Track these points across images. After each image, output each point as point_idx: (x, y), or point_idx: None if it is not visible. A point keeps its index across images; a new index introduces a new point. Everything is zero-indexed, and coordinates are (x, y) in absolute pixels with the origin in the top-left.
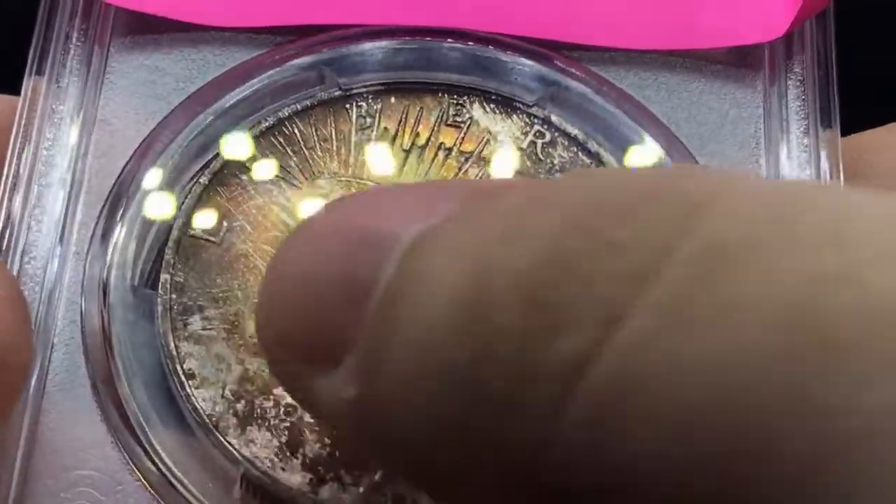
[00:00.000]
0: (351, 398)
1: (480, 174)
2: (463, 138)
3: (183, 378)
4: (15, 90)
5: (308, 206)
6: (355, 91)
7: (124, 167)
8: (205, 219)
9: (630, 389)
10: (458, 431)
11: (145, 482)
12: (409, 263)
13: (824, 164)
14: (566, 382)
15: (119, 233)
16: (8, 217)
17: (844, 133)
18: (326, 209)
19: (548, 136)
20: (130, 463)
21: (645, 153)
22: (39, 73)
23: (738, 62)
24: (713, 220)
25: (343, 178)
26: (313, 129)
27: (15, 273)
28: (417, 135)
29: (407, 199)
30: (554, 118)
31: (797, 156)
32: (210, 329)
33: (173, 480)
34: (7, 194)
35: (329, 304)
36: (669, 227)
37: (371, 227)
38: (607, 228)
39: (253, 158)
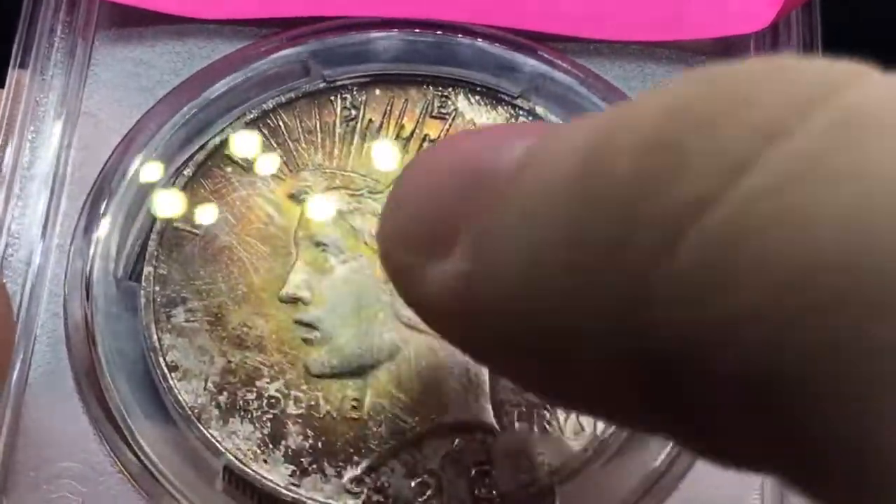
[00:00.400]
0: (460, 274)
1: None
2: (448, 130)
3: (166, 370)
4: None
5: (292, 198)
6: (340, 83)
7: (108, 159)
8: (189, 211)
9: (746, 237)
10: (562, 294)
11: (127, 474)
12: (526, 152)
13: None
14: (680, 225)
15: (103, 225)
16: (10, 211)
17: None
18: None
19: None
20: (112, 455)
21: None
22: (23, 65)
23: (724, 53)
24: (849, 93)
25: (328, 170)
26: (298, 122)
27: None
28: (402, 126)
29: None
30: (539, 109)
31: None
32: (193, 321)
33: (155, 472)
34: None
35: (448, 194)
36: (805, 93)
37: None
38: (741, 86)
39: (237, 152)
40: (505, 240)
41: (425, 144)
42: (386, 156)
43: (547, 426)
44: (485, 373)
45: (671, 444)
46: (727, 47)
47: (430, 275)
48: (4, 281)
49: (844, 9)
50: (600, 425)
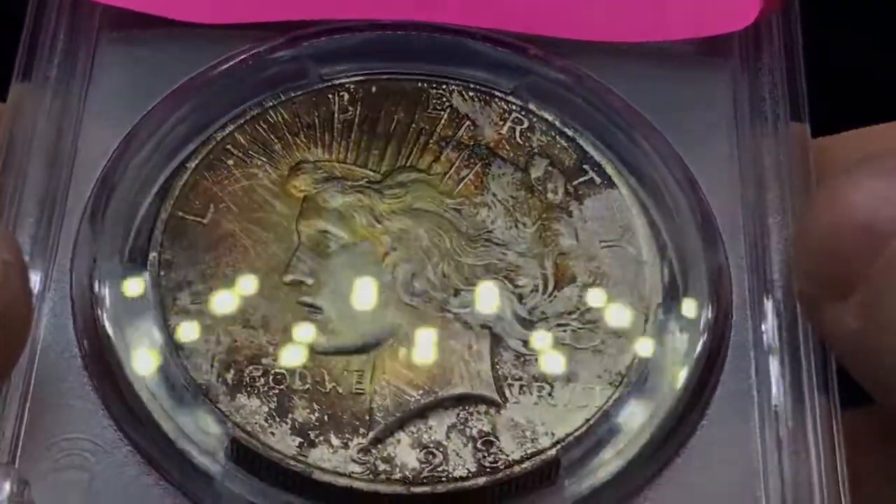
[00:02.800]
0: (853, 328)
1: (460, 157)
2: (443, 124)
3: (174, 349)
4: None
5: (293, 188)
6: (338, 82)
7: (112, 152)
8: (192, 201)
9: None
10: None
11: (136, 448)
12: None
13: (795, 152)
14: None
15: (108, 211)
16: (0, 206)
17: (813, 117)
18: (847, 176)
19: (526, 122)
20: (121, 430)
21: (618, 137)
22: (28, 71)
23: (708, 51)
24: None
25: (327, 163)
26: (297, 118)
27: None
28: (398, 122)
29: None
30: (532, 105)
31: (767, 141)
32: (198, 303)
33: (163, 446)
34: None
35: (848, 249)
36: None
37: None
38: None
39: (238, 145)
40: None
41: (421, 138)
42: (382, 149)
43: (549, 399)
44: (486, 348)
45: (670, 415)
46: (711, 46)
47: (830, 313)
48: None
49: (823, 7)
50: (601, 399)
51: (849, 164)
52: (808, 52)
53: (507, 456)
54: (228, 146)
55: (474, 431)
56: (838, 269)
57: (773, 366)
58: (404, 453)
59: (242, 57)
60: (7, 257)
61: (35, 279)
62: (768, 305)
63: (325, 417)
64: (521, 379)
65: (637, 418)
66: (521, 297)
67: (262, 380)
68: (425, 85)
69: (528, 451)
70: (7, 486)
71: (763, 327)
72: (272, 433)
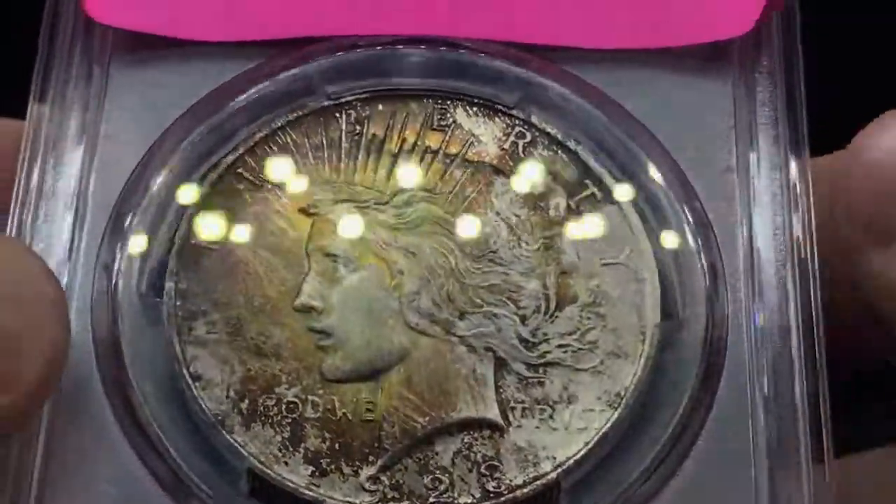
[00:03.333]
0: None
1: (465, 175)
2: (448, 141)
3: (190, 380)
4: (17, 113)
5: (302, 211)
6: (344, 99)
7: (127, 180)
8: (205, 227)
9: None
10: None
11: (158, 481)
12: None
13: (792, 156)
14: None
15: (125, 243)
16: (19, 233)
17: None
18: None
19: (528, 136)
20: (142, 461)
21: (621, 150)
22: (44, 93)
23: (709, 57)
24: None
25: (335, 184)
26: (305, 138)
27: None
28: (404, 140)
29: None
30: (534, 118)
31: (767, 146)
32: (213, 332)
33: (183, 477)
34: (17, 212)
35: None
36: None
37: None
38: None
39: (249, 168)
40: None
41: (427, 156)
42: (389, 168)
43: (550, 423)
44: (490, 372)
45: (666, 437)
46: (712, 51)
47: (874, 257)
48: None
49: (822, 12)
50: (600, 421)
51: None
52: (808, 56)
53: (510, 481)
54: (239, 170)
55: (478, 457)
56: (885, 214)
57: (767, 373)
58: (412, 480)
59: (251, 76)
60: (52, 295)
61: None
62: (762, 318)
63: (336, 446)
64: (523, 402)
65: (635, 439)
66: (523, 319)
67: (276, 409)
68: (430, 101)
69: (530, 476)
70: None
71: (757, 343)
72: (286, 462)
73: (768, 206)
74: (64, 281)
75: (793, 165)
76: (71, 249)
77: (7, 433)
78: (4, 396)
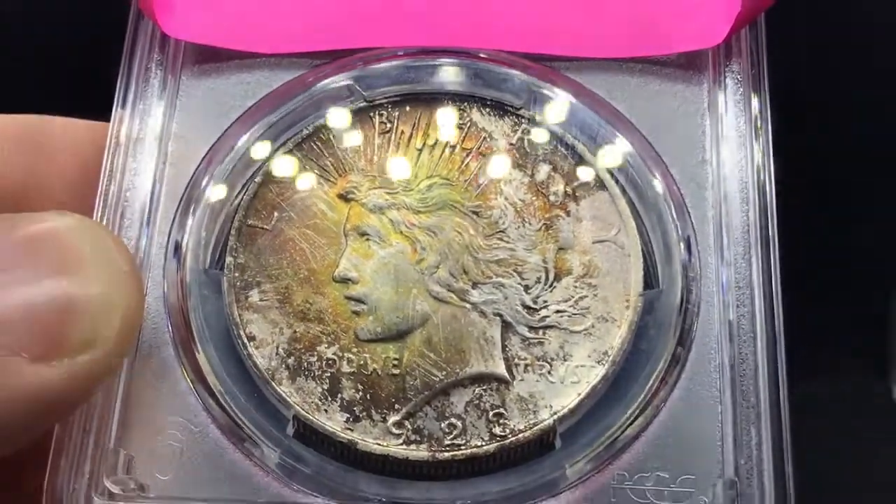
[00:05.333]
0: None
1: (479, 166)
2: (464, 137)
3: (245, 340)
4: (103, 116)
5: (341, 197)
6: (377, 102)
7: (195, 171)
8: (259, 211)
9: None
10: None
11: (218, 425)
12: None
13: (757, 152)
14: None
15: (192, 224)
16: (104, 213)
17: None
18: None
19: (533, 133)
20: (206, 409)
21: (611, 144)
22: (125, 99)
23: (687, 65)
24: None
25: (369, 174)
26: (344, 135)
27: None
28: (428, 136)
29: None
30: (538, 117)
31: (736, 143)
32: (266, 300)
33: (239, 422)
34: (103, 196)
35: None
36: None
37: None
38: None
39: (296, 161)
40: None
41: (446, 150)
42: (415, 160)
43: (549, 377)
44: (498, 334)
45: (646, 389)
46: (690, 60)
47: None
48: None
49: (785, 25)
50: (591, 376)
51: None
52: (773, 65)
53: (514, 426)
54: (288, 162)
55: (487, 406)
56: None
57: (730, 334)
58: (431, 425)
59: (298, 83)
60: (126, 268)
61: None
62: (728, 281)
63: (368, 396)
64: (526, 359)
65: (620, 391)
66: (527, 288)
67: (317, 365)
68: (449, 103)
69: (531, 422)
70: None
71: (724, 308)
72: (325, 410)
73: (736, 192)
74: (141, 256)
75: (757, 157)
76: (147, 230)
77: (96, 382)
78: (94, 351)
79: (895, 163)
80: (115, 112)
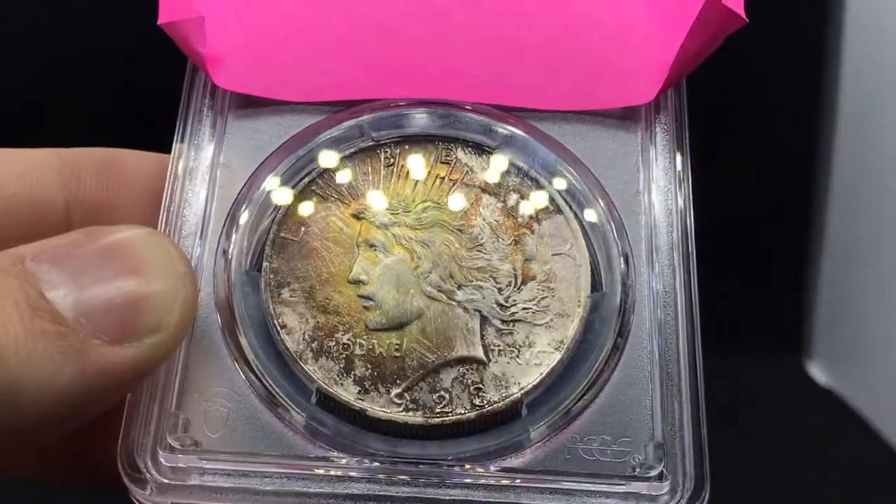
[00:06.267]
0: None
1: (463, 194)
2: (451, 171)
3: (278, 328)
4: (165, 149)
5: (354, 216)
6: (383, 142)
7: (238, 194)
8: (289, 225)
9: None
10: None
11: (256, 395)
12: None
13: (679, 189)
14: None
15: (236, 236)
16: (166, 227)
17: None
18: None
19: (504, 169)
20: (247, 383)
21: (566, 178)
22: (183, 135)
23: (624, 117)
24: None
25: (376, 198)
26: (357, 167)
27: None
28: (422, 170)
29: None
30: (510, 156)
31: (663, 178)
32: (294, 297)
33: (273, 393)
34: (165, 213)
35: None
36: None
37: None
38: None
39: (319, 186)
40: None
41: (437, 181)
42: (413, 188)
43: (517, 359)
44: (477, 326)
45: (594, 370)
46: (627, 113)
47: None
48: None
49: (703, 90)
50: (550, 359)
51: None
52: (692, 119)
53: (490, 398)
54: (313, 188)
55: (469, 382)
56: None
57: (659, 328)
58: (425, 397)
59: (321, 125)
60: (185, 270)
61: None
62: (657, 287)
63: (375, 373)
64: (499, 346)
65: (573, 372)
66: (500, 290)
67: (335, 348)
68: (440, 144)
69: (503, 395)
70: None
71: (654, 307)
72: (341, 384)
73: (663, 218)
74: (195, 261)
75: (678, 192)
76: (201, 240)
77: (160, 361)
78: (158, 335)
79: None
80: (175, 146)
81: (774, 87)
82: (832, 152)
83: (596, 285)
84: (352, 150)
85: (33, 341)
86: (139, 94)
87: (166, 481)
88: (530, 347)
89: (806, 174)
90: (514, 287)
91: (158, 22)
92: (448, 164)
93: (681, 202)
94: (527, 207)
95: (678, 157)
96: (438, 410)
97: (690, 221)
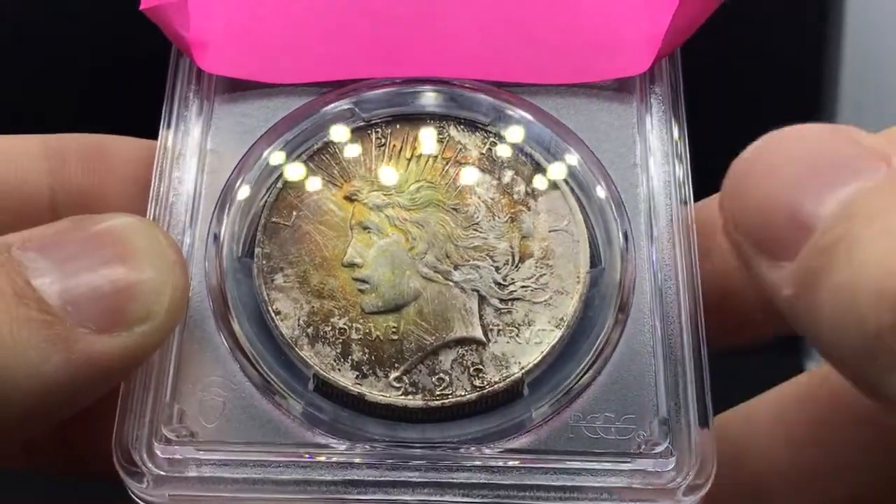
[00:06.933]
0: (786, 296)
1: (456, 172)
2: (444, 149)
3: (272, 314)
4: (152, 135)
5: (346, 198)
6: (373, 122)
7: (227, 179)
8: (280, 210)
9: None
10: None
11: (252, 383)
12: (844, 219)
13: (678, 160)
14: None
15: (226, 222)
16: (155, 215)
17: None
18: (784, 136)
19: (499, 145)
20: (242, 371)
21: (561, 153)
22: (170, 121)
23: (619, 89)
24: None
25: (368, 179)
26: (348, 148)
27: None
28: (414, 148)
29: (846, 156)
30: (502, 132)
31: (660, 150)
32: (288, 282)
33: (269, 380)
34: (154, 200)
35: (777, 218)
36: None
37: (820, 166)
38: None
39: (309, 170)
40: (822, 302)
41: (430, 159)
42: (405, 168)
43: (517, 339)
44: (475, 306)
45: (594, 348)
46: (622, 85)
47: (763, 273)
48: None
49: (699, 57)
50: (550, 338)
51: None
52: (687, 85)
53: (490, 378)
54: (303, 171)
55: (469, 363)
56: (770, 240)
57: (660, 302)
58: (424, 379)
59: (310, 107)
60: (175, 258)
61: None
62: (657, 260)
63: (373, 357)
64: (498, 325)
65: (574, 350)
66: (497, 269)
67: (331, 333)
68: (431, 121)
69: (503, 375)
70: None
71: (655, 283)
72: (338, 370)
73: (662, 189)
74: (185, 247)
75: (676, 163)
76: (191, 227)
77: (150, 350)
78: (148, 324)
79: None
80: (162, 132)
81: (775, 57)
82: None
83: (595, 261)
84: (342, 131)
85: (18, 329)
86: (124, 79)
87: (163, 474)
88: (530, 326)
89: None
90: (512, 265)
91: (141, 7)
92: (441, 142)
93: (679, 173)
94: (522, 184)
95: (675, 128)
96: (438, 393)
97: (690, 193)
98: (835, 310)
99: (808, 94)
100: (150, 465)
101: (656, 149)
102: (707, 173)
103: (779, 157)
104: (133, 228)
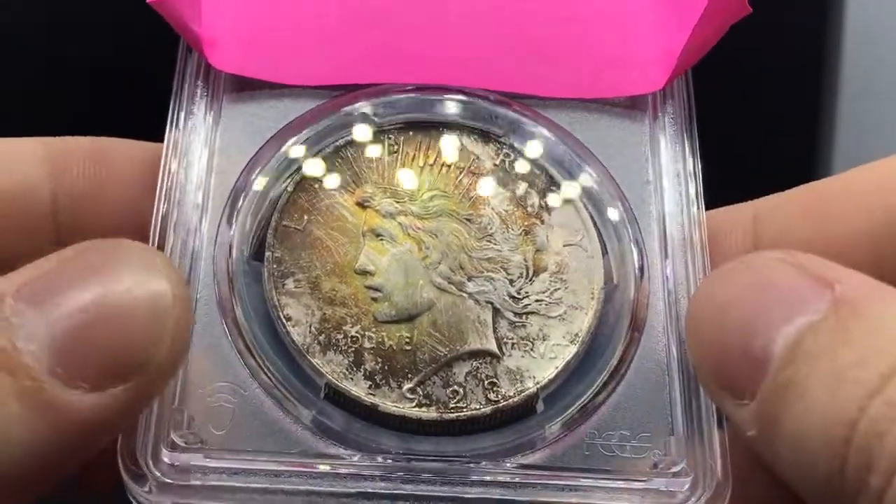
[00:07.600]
0: (751, 435)
1: (470, 182)
2: (458, 158)
3: (283, 320)
4: (158, 137)
5: (359, 204)
6: (387, 128)
7: (236, 181)
8: (292, 214)
9: None
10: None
11: (262, 389)
12: (791, 362)
13: (690, 178)
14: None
15: (236, 225)
16: (162, 220)
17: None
18: (733, 271)
19: (513, 156)
20: (252, 377)
21: (575, 167)
22: (177, 121)
23: (632, 106)
24: None
25: (381, 185)
26: (360, 153)
27: (168, 254)
28: (428, 156)
29: (792, 288)
30: (516, 144)
31: (673, 168)
32: (299, 288)
33: (280, 388)
34: (160, 204)
35: (733, 358)
36: None
37: (768, 302)
38: None
39: (321, 173)
40: (781, 442)
41: (443, 168)
42: (418, 176)
43: (532, 353)
44: (489, 318)
45: (609, 364)
46: (634, 102)
47: (728, 411)
48: (177, 266)
49: (710, 79)
50: (565, 353)
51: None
52: (699, 106)
53: (505, 392)
54: (314, 174)
55: (483, 376)
56: (729, 379)
57: (675, 320)
58: (438, 391)
59: (321, 110)
60: (178, 292)
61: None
62: (670, 277)
63: (386, 367)
64: (513, 339)
65: (588, 366)
66: (511, 282)
67: (343, 341)
68: (445, 130)
69: (518, 390)
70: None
71: (669, 299)
72: (351, 379)
73: (674, 207)
74: (192, 251)
75: (690, 180)
76: (198, 229)
77: (152, 398)
78: (144, 374)
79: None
80: (170, 131)
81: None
82: (832, 150)
83: (608, 277)
84: (354, 136)
85: (3, 401)
86: (128, 79)
87: (169, 480)
88: (545, 340)
89: (811, 149)
90: (526, 278)
91: (148, 0)
92: (454, 151)
93: (692, 191)
94: (536, 197)
95: (687, 146)
96: (453, 405)
97: (702, 211)
98: (790, 454)
99: (810, 107)
100: (154, 470)
101: (668, 167)
102: (718, 191)
103: (729, 293)
104: (130, 269)
